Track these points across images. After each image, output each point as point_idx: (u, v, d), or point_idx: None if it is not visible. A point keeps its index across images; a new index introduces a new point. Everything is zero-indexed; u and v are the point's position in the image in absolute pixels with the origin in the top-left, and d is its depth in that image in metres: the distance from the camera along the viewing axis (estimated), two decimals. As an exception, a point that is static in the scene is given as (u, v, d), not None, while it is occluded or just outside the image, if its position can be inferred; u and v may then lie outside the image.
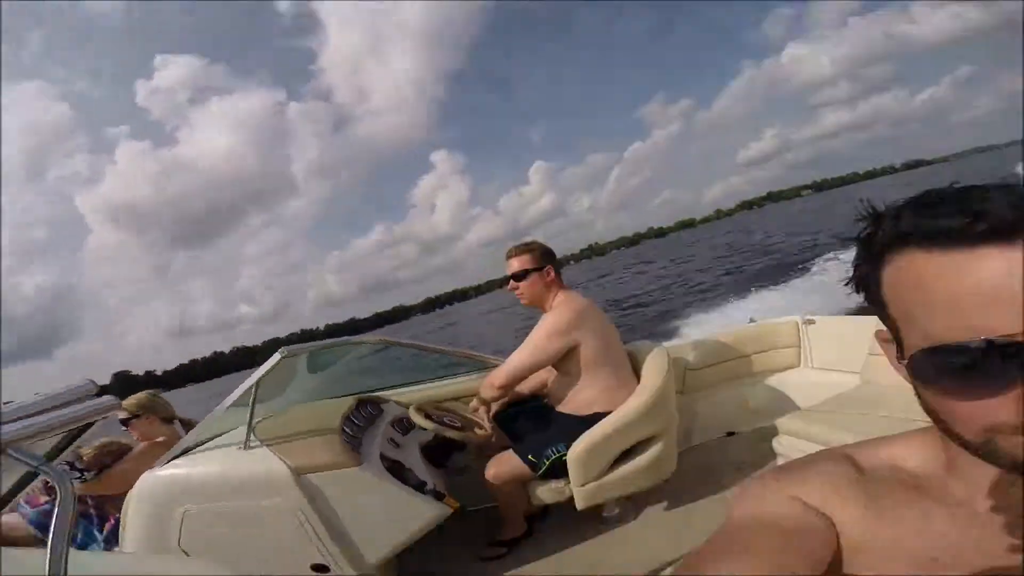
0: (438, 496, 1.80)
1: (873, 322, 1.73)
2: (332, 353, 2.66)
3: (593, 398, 2.03)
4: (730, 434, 2.69)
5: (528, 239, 2.21)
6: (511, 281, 2.13)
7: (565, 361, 2.04)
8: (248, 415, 1.81)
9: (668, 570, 1.75)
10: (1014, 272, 0.34)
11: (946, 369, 0.38)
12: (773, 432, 2.17)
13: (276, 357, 1.81)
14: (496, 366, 2.60)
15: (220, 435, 1.97)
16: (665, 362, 2.11)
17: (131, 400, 2.26)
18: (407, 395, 2.65)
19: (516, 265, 2.12)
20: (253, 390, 1.79)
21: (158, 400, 2.33)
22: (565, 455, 1.95)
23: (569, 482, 1.97)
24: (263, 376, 1.79)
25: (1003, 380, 0.35)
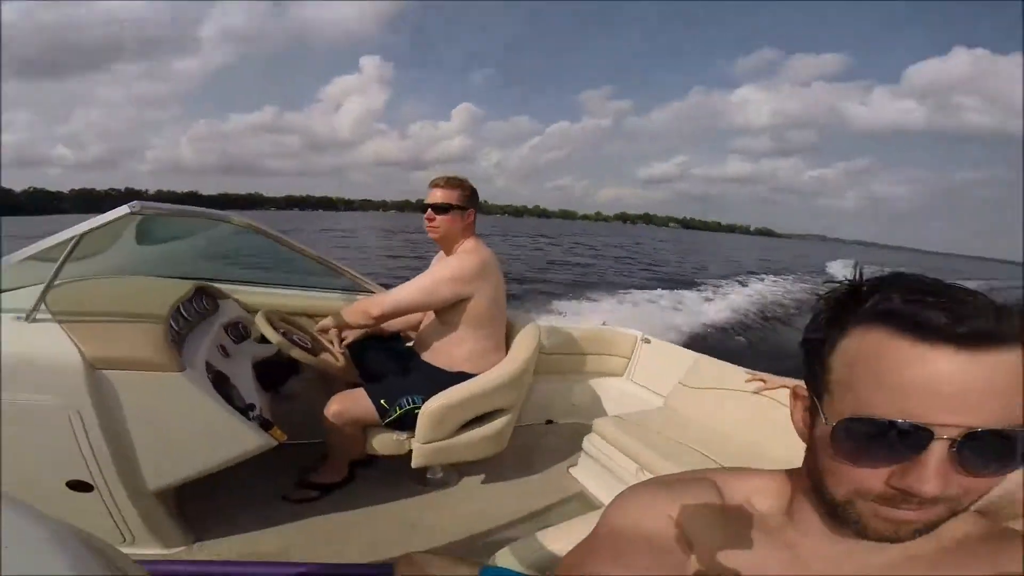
0: (265, 425, 1.51)
1: (690, 357, 2.55)
2: (180, 225, 2.19)
3: (464, 356, 1.93)
4: (549, 422, 2.83)
5: (451, 175, 1.98)
6: (429, 211, 1.92)
7: (450, 311, 1.91)
8: (48, 277, 1.36)
9: (479, 540, 1.75)
10: (966, 376, 0.39)
11: (861, 437, 0.43)
12: (586, 430, 2.29)
13: (124, 209, 1.39)
14: (370, 291, 2.41)
15: None
16: (536, 338, 2.10)
17: None
18: (253, 297, 2.28)
19: (440, 196, 1.92)
20: (70, 244, 1.34)
21: None
22: (419, 408, 1.82)
23: (412, 436, 1.85)
24: (94, 229, 1.35)
25: (892, 457, 0.41)
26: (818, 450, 0.48)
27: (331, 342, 1.96)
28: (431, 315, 2.03)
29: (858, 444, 0.43)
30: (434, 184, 1.94)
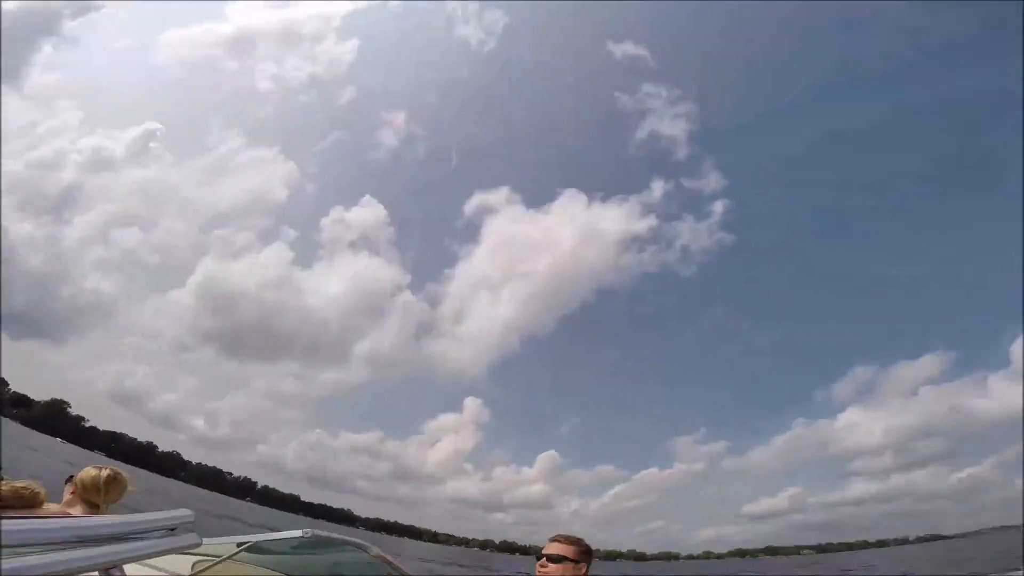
0: None
1: None
2: (322, 551, 2.69)
3: None
4: None
5: (569, 533, 2.34)
6: (544, 559, 2.22)
7: None
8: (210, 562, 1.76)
9: None
10: None
11: None
12: None
13: (296, 533, 1.85)
14: None
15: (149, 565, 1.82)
16: None
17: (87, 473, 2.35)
18: None
19: (556, 549, 2.24)
20: (243, 545, 1.79)
21: (102, 484, 2.29)
22: None
23: None
24: (269, 541, 1.83)
25: None
26: None
27: None
28: None
29: None
30: (554, 539, 2.29)
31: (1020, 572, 14.20)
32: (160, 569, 1.63)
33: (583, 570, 2.25)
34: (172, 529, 0.96)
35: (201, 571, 1.69)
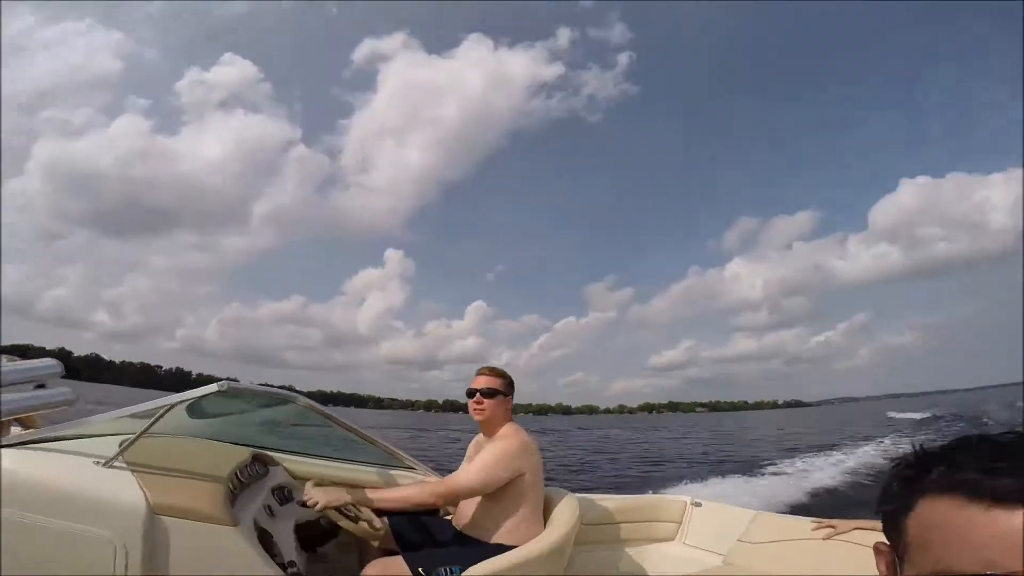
0: None
1: (747, 515, 2.55)
2: (237, 403, 2.51)
3: (505, 528, 2.06)
4: None
5: (494, 365, 2.33)
6: (477, 395, 2.21)
7: (499, 488, 2.07)
8: (136, 431, 1.63)
9: None
10: None
11: None
12: None
13: (212, 387, 1.69)
14: (411, 467, 2.67)
15: (84, 438, 1.77)
16: (576, 511, 2.19)
17: None
18: (301, 466, 2.57)
19: (486, 383, 2.23)
20: (162, 411, 1.64)
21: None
22: None
23: None
24: (184, 402, 1.67)
25: None
26: None
27: (370, 513, 2.07)
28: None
29: None
30: (480, 372, 2.28)
31: (869, 446, 15.76)
32: (88, 454, 1.55)
33: (510, 403, 2.26)
34: (41, 385, 0.86)
35: (126, 449, 1.56)
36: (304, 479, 2.15)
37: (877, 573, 0.54)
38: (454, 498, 2.09)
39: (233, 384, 1.76)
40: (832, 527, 2.12)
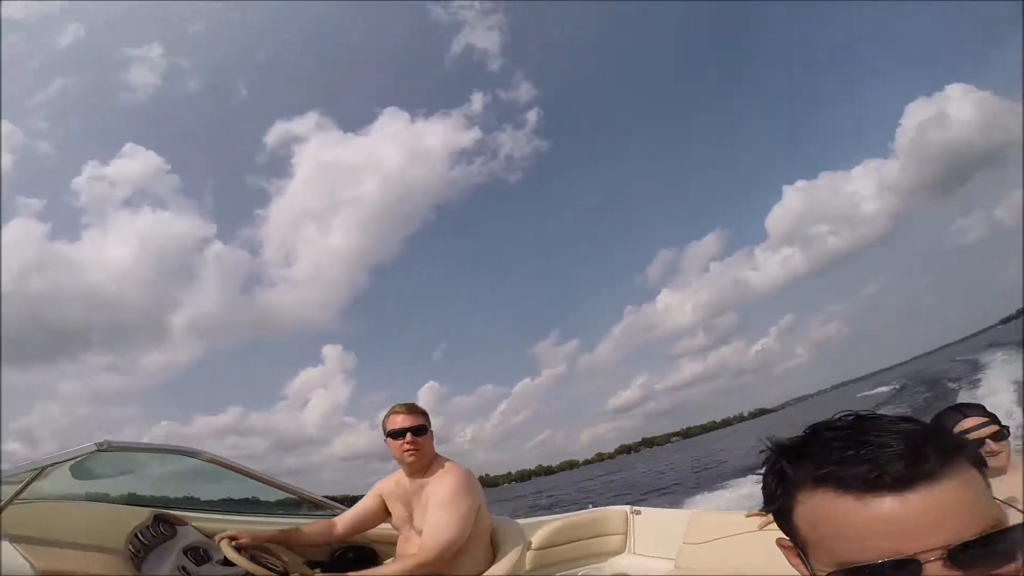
0: None
1: (685, 516, 2.91)
2: (133, 460, 2.37)
3: (457, 564, 1.96)
4: None
5: (407, 402, 2.17)
6: (409, 435, 2.04)
7: None
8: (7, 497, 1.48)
9: None
10: (906, 510, 0.46)
11: None
12: None
13: (90, 447, 1.58)
14: (332, 512, 2.52)
15: None
16: (520, 534, 2.17)
17: None
18: (211, 524, 2.38)
19: (413, 420, 2.07)
20: (32, 474, 1.53)
21: None
22: None
23: None
24: (57, 464, 1.59)
25: None
26: None
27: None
28: (411, 535, 2.09)
29: None
30: (395, 412, 2.10)
31: None
32: None
33: (433, 437, 2.14)
34: None
35: (2, 508, 1.41)
36: (216, 536, 1.98)
37: None
38: (442, 563, 1.89)
39: (114, 442, 1.65)
40: (763, 515, 2.21)
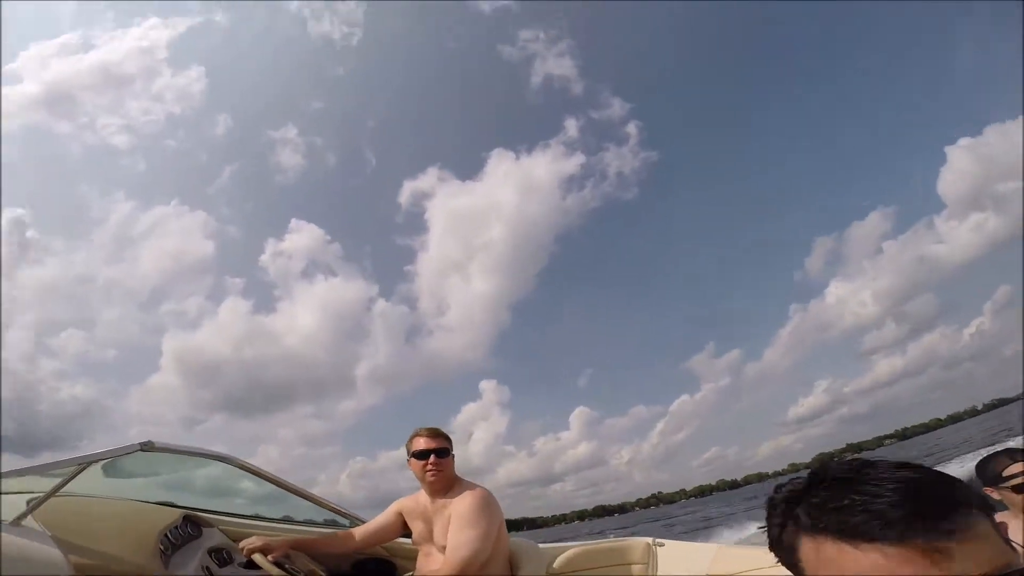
0: None
1: (712, 549, 2.84)
2: (174, 462, 2.40)
3: None
4: None
5: (430, 426, 2.27)
6: (432, 457, 2.13)
7: None
8: (43, 490, 1.46)
9: None
10: (902, 559, 0.46)
11: None
12: None
13: (134, 446, 1.56)
14: (358, 521, 2.61)
15: None
16: (542, 562, 2.22)
17: None
18: (236, 528, 2.46)
19: (437, 443, 2.17)
20: (79, 468, 1.48)
21: None
22: None
23: None
24: (101, 459, 1.52)
25: None
26: None
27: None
28: (432, 551, 2.17)
29: None
30: (419, 435, 2.22)
31: None
32: None
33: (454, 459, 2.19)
34: None
35: (36, 507, 1.38)
36: (243, 539, 2.07)
37: None
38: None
39: (157, 442, 1.65)
40: None
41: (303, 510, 2.78)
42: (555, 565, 2.65)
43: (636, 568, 2.80)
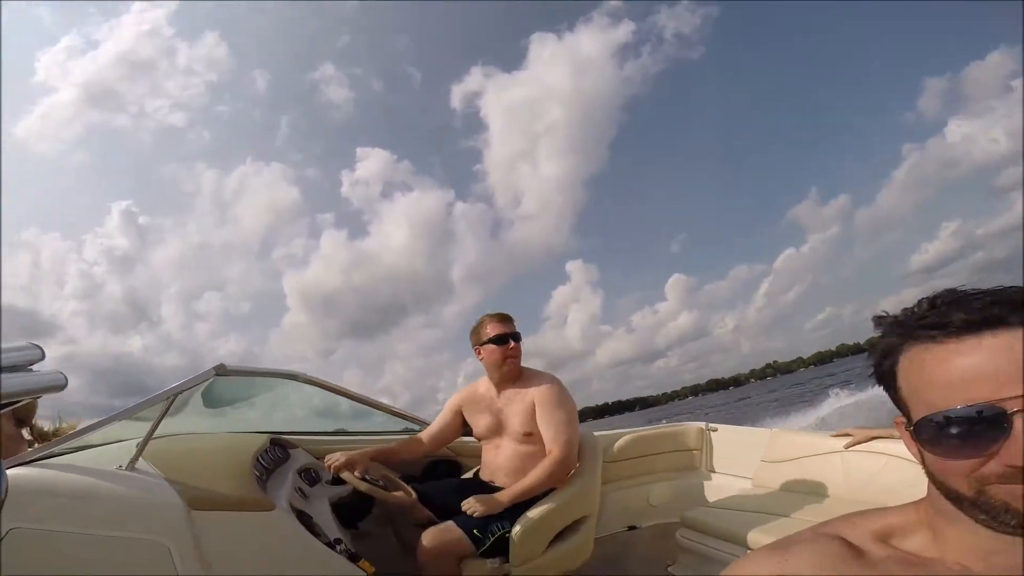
0: (353, 558, 1.60)
1: (765, 434, 2.59)
2: (247, 387, 2.50)
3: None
4: (631, 528, 2.81)
5: (498, 310, 2.22)
6: (510, 341, 2.10)
7: (535, 432, 2.04)
8: (146, 431, 1.52)
9: None
10: (992, 355, 0.46)
11: (943, 432, 0.48)
12: (673, 527, 2.29)
13: (210, 372, 1.60)
14: (424, 424, 2.58)
15: (97, 447, 1.67)
16: (599, 449, 2.20)
17: None
18: (318, 446, 2.47)
19: (511, 327, 2.14)
20: (166, 404, 1.53)
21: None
22: (508, 532, 1.86)
23: (506, 560, 1.85)
24: (186, 389, 1.55)
25: (989, 438, 0.46)
26: (929, 462, 0.52)
27: (396, 479, 2.04)
28: (503, 443, 2.14)
29: (948, 437, 0.48)
30: (491, 319, 2.16)
31: None
32: (105, 460, 1.43)
33: None
34: (27, 368, 0.79)
35: (143, 448, 1.45)
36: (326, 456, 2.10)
37: (897, 478, 0.56)
38: (573, 458, 2.03)
39: (230, 366, 1.67)
40: (849, 435, 2.17)
41: (378, 423, 2.78)
42: (613, 450, 2.82)
43: (690, 455, 2.95)
